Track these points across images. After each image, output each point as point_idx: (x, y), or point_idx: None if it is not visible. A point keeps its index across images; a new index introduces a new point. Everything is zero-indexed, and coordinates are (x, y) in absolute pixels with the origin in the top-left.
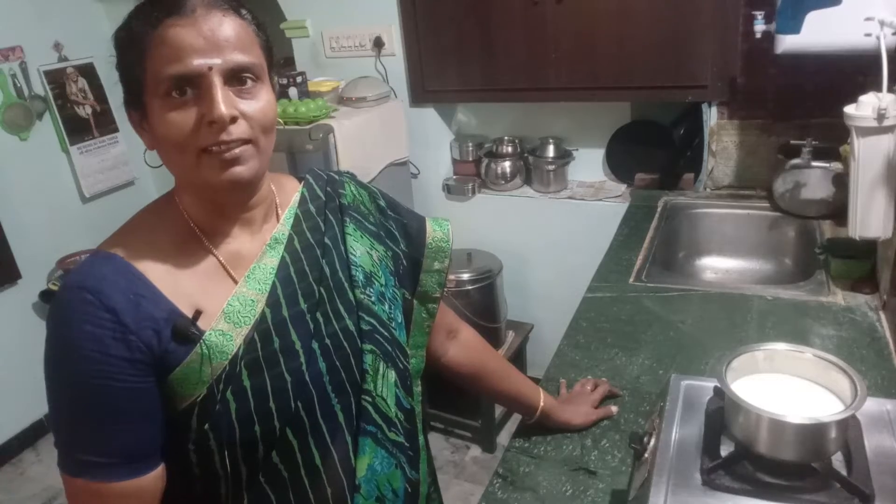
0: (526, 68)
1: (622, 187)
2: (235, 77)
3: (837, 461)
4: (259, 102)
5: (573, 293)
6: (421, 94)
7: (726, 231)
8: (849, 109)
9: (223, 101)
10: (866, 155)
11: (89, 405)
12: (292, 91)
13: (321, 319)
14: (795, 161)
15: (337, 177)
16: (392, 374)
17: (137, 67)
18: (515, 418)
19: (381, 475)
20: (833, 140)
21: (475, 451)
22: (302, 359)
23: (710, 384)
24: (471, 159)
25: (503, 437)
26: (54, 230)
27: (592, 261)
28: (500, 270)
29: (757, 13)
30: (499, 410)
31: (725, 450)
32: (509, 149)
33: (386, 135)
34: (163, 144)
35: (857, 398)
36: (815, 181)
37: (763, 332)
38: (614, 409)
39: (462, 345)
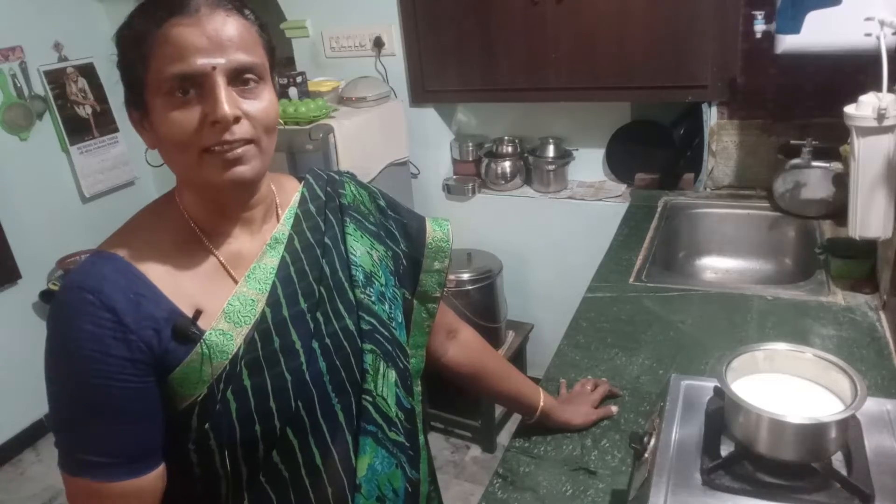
0: (526, 68)
1: (622, 187)
2: (238, 77)
3: (837, 461)
4: (262, 102)
5: (573, 293)
6: (421, 94)
7: (726, 231)
8: (849, 109)
9: (227, 100)
10: (866, 155)
11: (89, 405)
12: (292, 91)
13: (321, 319)
14: (795, 161)
15: (337, 177)
16: (392, 374)
17: (140, 66)
18: (515, 418)
19: (381, 475)
20: (833, 140)
21: (475, 451)
22: (302, 358)
23: (710, 384)
24: (471, 159)
25: (503, 437)
26: (54, 230)
27: (592, 261)
28: (500, 270)
29: (757, 13)
30: (499, 410)
31: (725, 450)
32: (509, 149)
33: (386, 135)
34: (165, 144)
35: (857, 398)
36: (815, 181)
37: (763, 332)
38: (614, 409)
39: (462, 345)
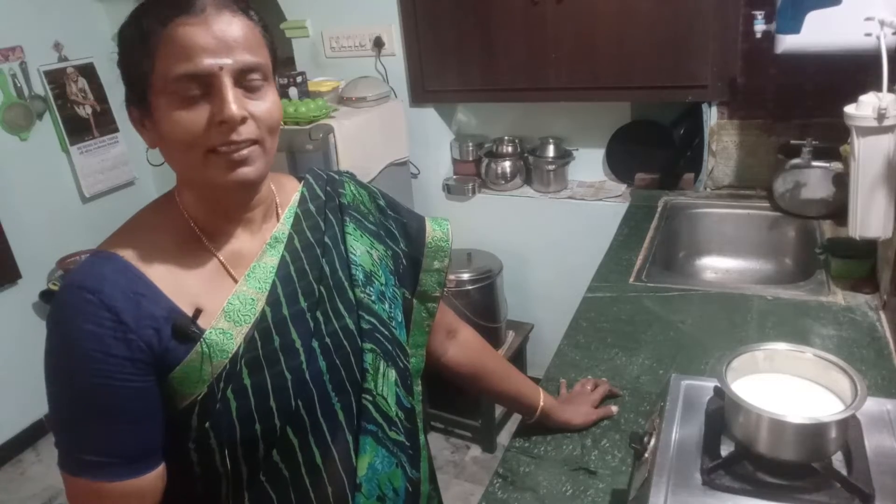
0: (526, 68)
1: (622, 187)
2: (243, 77)
3: (837, 461)
4: (266, 103)
5: (573, 293)
6: (421, 94)
7: (726, 231)
8: (849, 109)
9: (234, 100)
10: (866, 155)
11: (90, 405)
12: (292, 91)
13: (321, 318)
14: (795, 161)
15: (337, 176)
16: (392, 373)
17: (145, 65)
18: (515, 418)
19: (381, 474)
20: (833, 140)
21: (475, 451)
22: (302, 357)
23: (710, 384)
24: (471, 159)
25: (503, 437)
26: (54, 230)
27: (592, 261)
28: (500, 270)
29: (757, 13)
30: (499, 410)
31: (725, 450)
32: (509, 149)
33: (386, 135)
34: (169, 143)
35: (857, 398)
36: (815, 181)
37: (763, 331)
38: (614, 408)
39: (461, 344)
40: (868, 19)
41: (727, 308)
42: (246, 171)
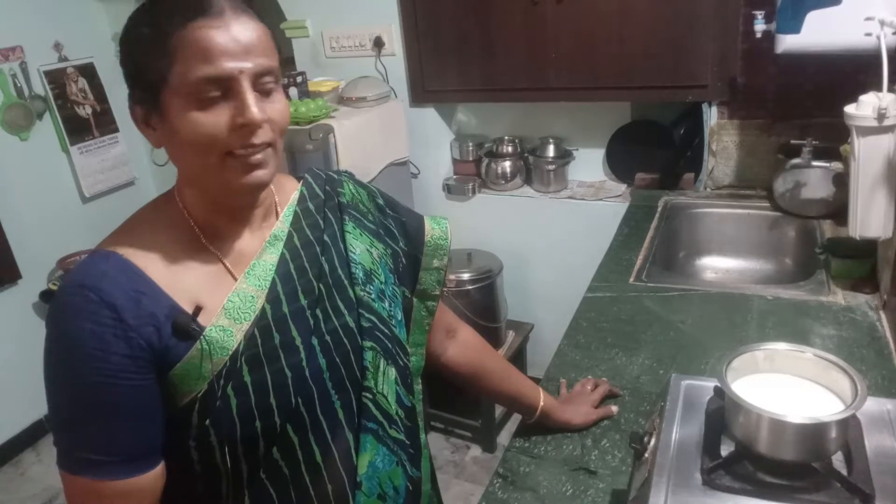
0: (526, 68)
1: (622, 187)
2: (259, 80)
3: (838, 461)
4: (278, 105)
5: (573, 293)
6: (421, 94)
7: (726, 231)
8: (849, 109)
9: (255, 103)
10: (866, 155)
11: (90, 403)
12: (292, 91)
13: (321, 316)
14: (795, 161)
15: (335, 176)
16: (392, 372)
17: (161, 66)
18: (515, 418)
19: (382, 472)
20: (833, 140)
21: (475, 451)
22: (302, 354)
23: (710, 384)
24: (471, 159)
25: (503, 437)
26: (54, 230)
27: (592, 261)
28: (500, 270)
29: (757, 13)
30: (499, 410)
31: (725, 450)
32: (509, 149)
33: (386, 135)
34: (185, 145)
35: (857, 398)
36: (815, 181)
37: (763, 331)
38: (614, 408)
39: (461, 344)
40: (868, 19)
41: (727, 308)
42: (261, 175)
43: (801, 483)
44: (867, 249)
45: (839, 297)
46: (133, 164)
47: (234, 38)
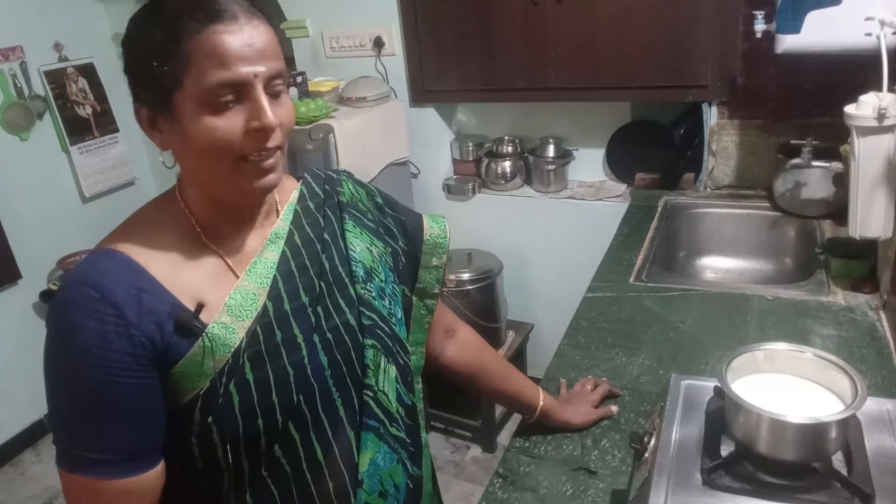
0: (526, 68)
1: (622, 187)
2: (270, 84)
3: (838, 461)
4: (287, 108)
5: (573, 293)
6: (421, 93)
7: (726, 231)
8: (849, 109)
9: (269, 108)
10: (866, 155)
11: (90, 401)
12: (292, 91)
13: (322, 313)
14: (795, 161)
15: (335, 175)
16: (393, 370)
17: (175, 70)
18: (515, 418)
19: (383, 470)
20: (833, 140)
21: (475, 451)
22: (304, 352)
23: (710, 384)
24: (471, 159)
25: (503, 437)
26: (54, 230)
27: (592, 261)
28: (500, 270)
29: (757, 13)
30: (499, 410)
31: (725, 450)
32: (509, 149)
33: (386, 135)
34: (198, 149)
35: (857, 398)
36: (815, 181)
37: (763, 331)
38: (614, 408)
39: (460, 344)
40: (868, 19)
41: (727, 308)
42: (272, 178)
43: (801, 483)
44: (867, 249)
45: (839, 297)
46: (133, 164)
47: (248, 42)
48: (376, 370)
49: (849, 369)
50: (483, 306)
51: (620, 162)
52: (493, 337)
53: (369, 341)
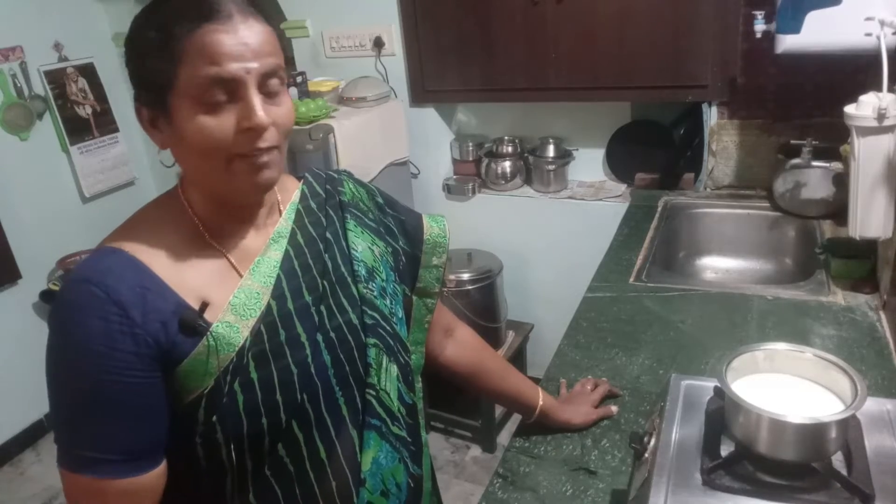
0: (526, 68)
1: (622, 187)
2: (265, 82)
3: (837, 461)
4: (284, 108)
5: (573, 293)
6: (421, 94)
7: (726, 231)
8: (849, 109)
9: (261, 107)
10: (866, 155)
11: (93, 401)
12: (292, 91)
13: (325, 312)
14: (795, 161)
15: (335, 175)
16: (394, 369)
17: (168, 69)
18: (515, 418)
19: (385, 469)
20: (833, 140)
21: (475, 451)
22: (307, 351)
23: (710, 384)
24: (471, 159)
25: (503, 437)
26: (54, 230)
27: (592, 261)
28: (500, 270)
29: (757, 13)
30: (499, 410)
31: (725, 450)
32: (509, 149)
33: (386, 135)
34: (191, 148)
35: (857, 398)
36: (815, 181)
37: (763, 331)
38: (614, 408)
39: (459, 343)
40: (868, 19)
41: (727, 308)
42: (267, 176)
43: (801, 483)
44: (867, 249)
45: (839, 297)
46: (133, 164)
47: (242, 41)
48: (378, 369)
49: (849, 369)
50: (483, 306)
51: (620, 162)
52: (493, 337)
53: (371, 340)
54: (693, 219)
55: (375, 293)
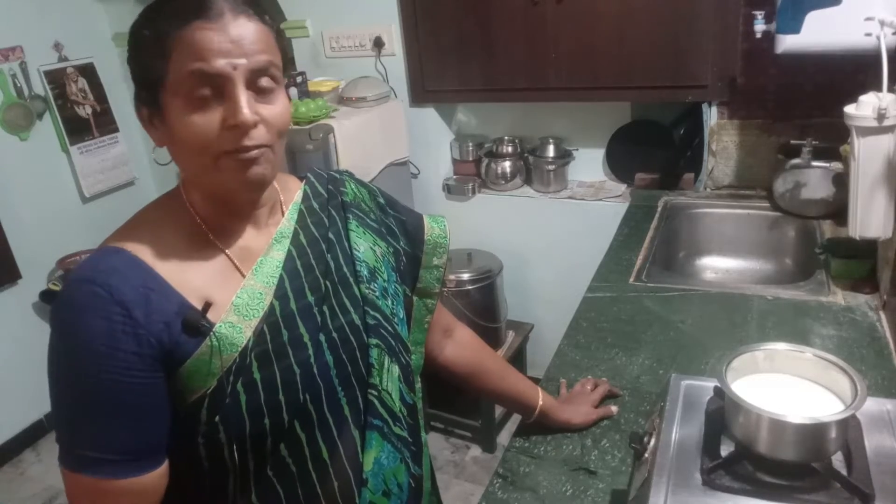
0: (526, 68)
1: (622, 187)
2: (256, 80)
3: (837, 461)
4: (277, 107)
5: (573, 293)
6: (421, 93)
7: (726, 231)
8: (849, 109)
9: (246, 105)
10: (866, 155)
11: (95, 400)
12: (292, 91)
13: (328, 312)
14: (795, 161)
15: (337, 175)
16: (396, 369)
17: (159, 66)
18: (515, 418)
19: (387, 469)
20: (833, 140)
21: (475, 451)
22: (310, 351)
23: (710, 384)
24: (471, 159)
25: (503, 437)
26: (54, 230)
27: (592, 261)
28: (500, 270)
29: (757, 13)
30: (499, 410)
31: (725, 450)
32: (509, 149)
33: (386, 135)
34: (180, 145)
35: (857, 398)
36: (815, 181)
37: (763, 331)
38: (614, 408)
39: (458, 343)
40: (868, 19)
41: (727, 308)
42: (256, 172)
43: (801, 483)
44: (867, 249)
45: (839, 297)
46: (133, 164)
47: (230, 37)
48: (380, 370)
49: (849, 369)
50: (483, 306)
51: (620, 162)
52: (493, 337)
53: (373, 341)
54: (693, 219)
55: (377, 293)
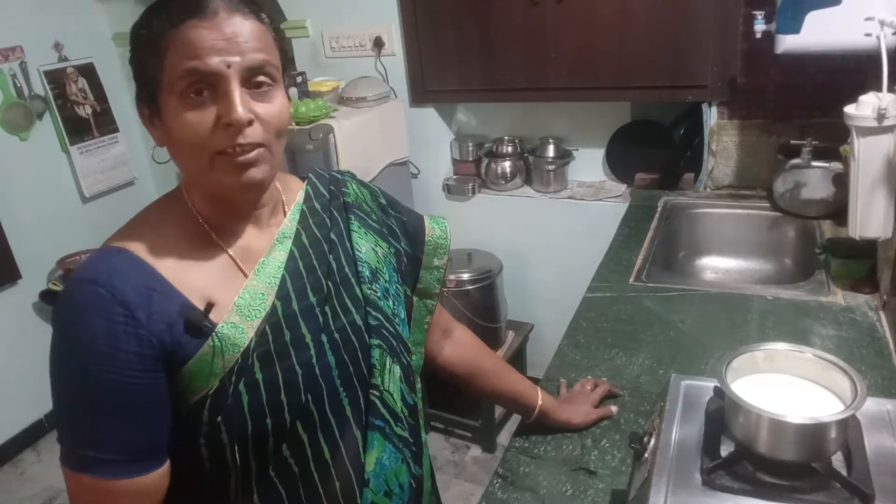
0: (526, 68)
1: (622, 187)
2: (252, 79)
3: (837, 461)
4: (274, 106)
5: (573, 293)
6: (421, 93)
7: (726, 231)
8: (849, 109)
9: (241, 103)
10: (866, 155)
11: (96, 401)
12: (292, 91)
13: (329, 313)
14: (795, 161)
15: (339, 176)
16: (397, 369)
17: (155, 65)
18: (515, 418)
19: (388, 469)
20: (833, 140)
21: (475, 451)
22: (312, 351)
23: (710, 384)
24: (471, 159)
25: (503, 437)
26: (54, 230)
27: (592, 261)
28: (500, 270)
29: (757, 13)
30: (499, 410)
31: (725, 450)
32: (509, 149)
33: (386, 135)
34: (177, 144)
35: (857, 398)
36: (815, 181)
37: (763, 332)
38: (614, 408)
39: (457, 344)
40: (868, 19)
41: (727, 308)
42: (253, 174)
43: (801, 483)
44: (867, 249)
45: (839, 297)
46: (133, 164)
47: (224, 35)
48: (382, 370)
49: (848, 369)
50: (483, 306)
51: (620, 162)
52: (493, 337)
53: (375, 341)
54: (693, 219)
55: (379, 294)
